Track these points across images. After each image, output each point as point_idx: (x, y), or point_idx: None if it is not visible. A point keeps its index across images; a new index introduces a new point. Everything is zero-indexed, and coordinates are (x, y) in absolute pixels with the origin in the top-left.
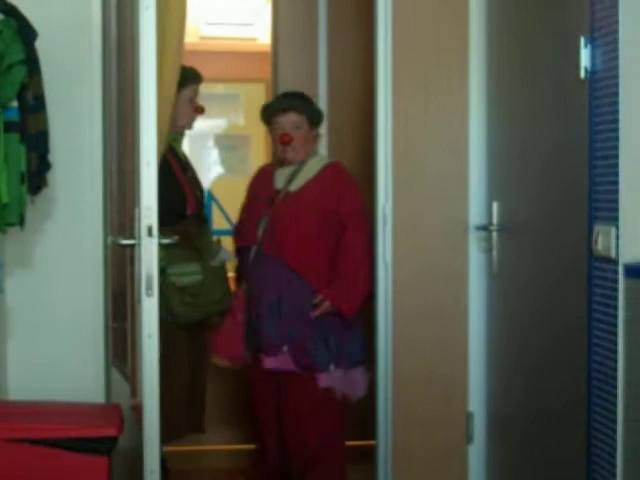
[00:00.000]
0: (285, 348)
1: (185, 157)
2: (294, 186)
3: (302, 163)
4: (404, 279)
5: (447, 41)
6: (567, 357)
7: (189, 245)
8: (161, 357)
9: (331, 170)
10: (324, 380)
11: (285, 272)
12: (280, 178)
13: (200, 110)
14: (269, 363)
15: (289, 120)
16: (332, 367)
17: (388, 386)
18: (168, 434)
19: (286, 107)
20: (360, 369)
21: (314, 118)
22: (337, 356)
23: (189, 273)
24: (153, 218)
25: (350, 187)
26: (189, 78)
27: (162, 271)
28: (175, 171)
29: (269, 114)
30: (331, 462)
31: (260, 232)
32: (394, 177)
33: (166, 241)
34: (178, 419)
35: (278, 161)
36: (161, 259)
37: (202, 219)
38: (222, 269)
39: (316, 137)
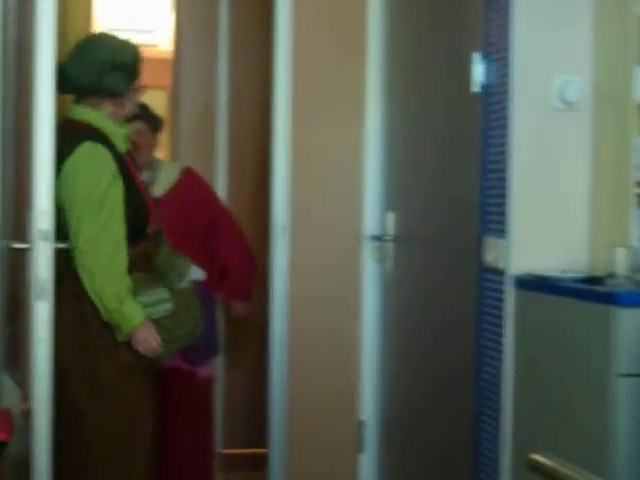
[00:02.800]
0: None
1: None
2: (158, 191)
3: (154, 169)
4: (300, 288)
5: (345, 55)
6: (458, 366)
7: (150, 268)
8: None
9: (190, 175)
10: (204, 371)
11: None
12: None
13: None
14: None
15: (133, 128)
16: (210, 357)
17: (282, 395)
18: None
19: (130, 116)
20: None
21: (155, 125)
22: (213, 345)
23: (160, 301)
24: (47, 222)
25: (211, 189)
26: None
27: None
28: (136, 178)
29: None
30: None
31: None
32: (291, 187)
33: (61, 245)
34: None
35: None
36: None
37: (160, 234)
38: (191, 292)
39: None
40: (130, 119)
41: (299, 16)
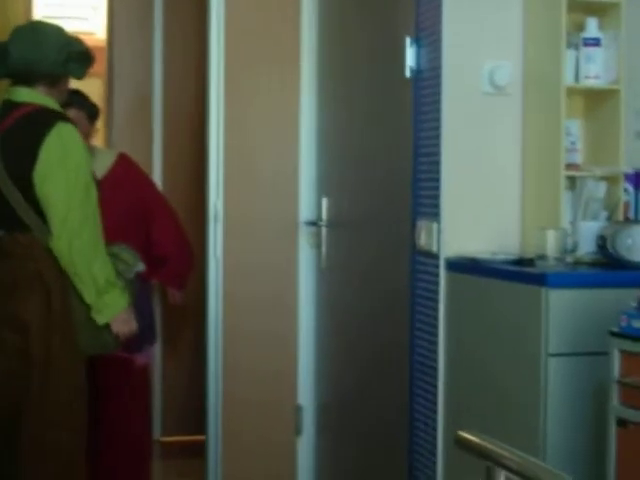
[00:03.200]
0: None
1: None
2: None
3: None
4: (235, 274)
5: (279, 41)
6: (392, 348)
7: None
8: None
9: (125, 161)
10: (141, 358)
11: None
12: None
13: None
14: None
15: (69, 116)
16: (147, 345)
17: (219, 380)
18: None
19: (66, 103)
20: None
21: (92, 113)
22: (149, 333)
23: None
24: None
25: (146, 176)
26: None
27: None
28: None
29: None
30: (149, 450)
31: None
32: (225, 173)
33: None
34: None
35: None
36: None
37: None
38: (132, 285)
39: (95, 132)
40: (64, 106)
41: (234, 3)
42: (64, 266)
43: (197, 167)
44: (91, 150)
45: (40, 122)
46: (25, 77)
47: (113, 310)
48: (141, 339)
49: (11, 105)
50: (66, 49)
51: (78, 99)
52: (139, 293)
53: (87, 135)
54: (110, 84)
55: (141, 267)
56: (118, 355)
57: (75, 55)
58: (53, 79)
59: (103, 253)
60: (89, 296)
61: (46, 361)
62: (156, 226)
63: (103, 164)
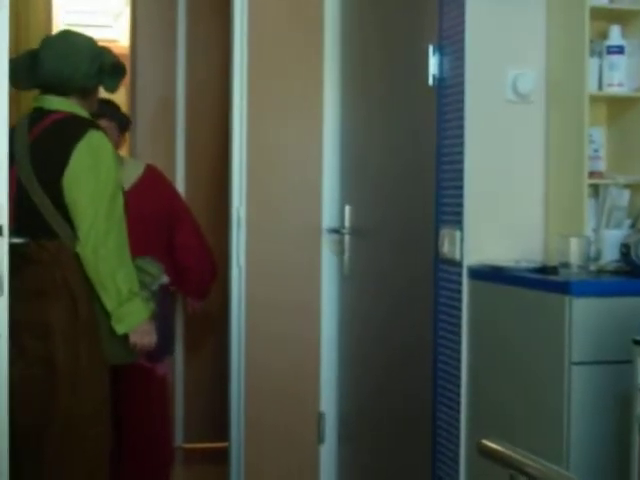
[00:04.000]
0: None
1: None
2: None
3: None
4: (258, 281)
5: (303, 50)
6: (414, 357)
7: None
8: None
9: (152, 173)
10: (161, 368)
11: None
12: None
13: None
14: None
15: (101, 126)
16: (167, 355)
17: (241, 387)
18: None
19: (97, 113)
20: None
21: (122, 124)
22: (169, 342)
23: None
24: (3, 217)
25: (173, 187)
26: None
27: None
28: None
29: None
30: (169, 457)
31: None
32: (248, 180)
33: (17, 241)
34: None
35: None
36: None
37: None
38: (156, 295)
39: (124, 142)
40: (96, 116)
41: (256, 11)
42: (89, 273)
43: (220, 173)
44: (120, 160)
45: (71, 129)
46: (57, 88)
47: (134, 320)
48: (162, 349)
49: (42, 113)
50: (98, 60)
51: (110, 110)
52: (161, 303)
53: (116, 145)
54: (133, 91)
55: (165, 280)
56: (141, 364)
57: (107, 67)
58: (85, 90)
59: (128, 262)
60: (110, 304)
61: (73, 372)
62: (179, 237)
63: (131, 175)
